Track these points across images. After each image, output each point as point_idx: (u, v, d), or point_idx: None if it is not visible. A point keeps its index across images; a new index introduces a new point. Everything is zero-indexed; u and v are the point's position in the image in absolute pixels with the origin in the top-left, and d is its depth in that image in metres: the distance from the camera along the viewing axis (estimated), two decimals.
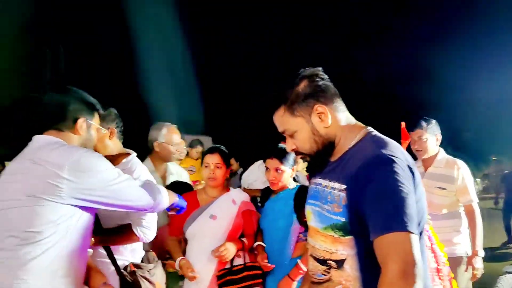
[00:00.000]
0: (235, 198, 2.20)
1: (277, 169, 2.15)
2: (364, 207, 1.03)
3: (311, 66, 1.23)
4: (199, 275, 2.01)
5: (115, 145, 1.85)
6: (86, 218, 1.32)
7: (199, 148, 4.61)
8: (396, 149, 1.10)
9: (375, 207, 1.01)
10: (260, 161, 3.34)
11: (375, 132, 1.19)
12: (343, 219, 1.09)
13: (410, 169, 1.07)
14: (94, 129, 1.46)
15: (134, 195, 1.38)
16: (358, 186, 1.05)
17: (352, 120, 1.22)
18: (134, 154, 1.88)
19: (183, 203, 1.65)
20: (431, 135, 2.67)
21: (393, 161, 1.04)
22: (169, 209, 1.60)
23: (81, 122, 1.40)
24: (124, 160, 1.81)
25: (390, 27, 11.69)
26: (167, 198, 1.51)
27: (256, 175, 3.23)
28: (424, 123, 2.67)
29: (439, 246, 1.93)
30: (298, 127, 1.18)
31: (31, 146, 1.34)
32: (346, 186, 1.10)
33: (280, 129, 1.23)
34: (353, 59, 11.17)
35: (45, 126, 1.38)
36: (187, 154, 4.47)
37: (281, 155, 2.15)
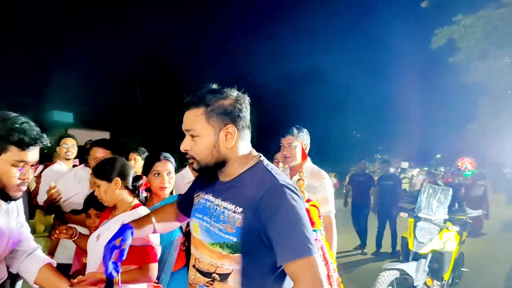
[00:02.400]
0: (126, 221, 1.65)
1: (170, 173, 2.12)
2: (271, 234, 1.14)
3: None
4: None
5: None
6: None
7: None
8: (287, 178, 1.24)
9: (284, 236, 1.12)
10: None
11: (266, 160, 1.29)
12: (234, 239, 1.17)
13: (298, 193, 1.21)
14: None
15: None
16: (264, 213, 1.14)
17: (248, 149, 1.29)
18: None
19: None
20: (299, 143, 2.72)
21: (292, 191, 1.18)
22: None
23: None
24: None
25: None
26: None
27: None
28: (295, 130, 2.74)
29: (330, 254, 1.91)
30: (204, 134, 1.21)
31: None
32: (243, 209, 1.17)
33: (186, 126, 1.24)
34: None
35: None
36: None
37: (171, 158, 2.17)
